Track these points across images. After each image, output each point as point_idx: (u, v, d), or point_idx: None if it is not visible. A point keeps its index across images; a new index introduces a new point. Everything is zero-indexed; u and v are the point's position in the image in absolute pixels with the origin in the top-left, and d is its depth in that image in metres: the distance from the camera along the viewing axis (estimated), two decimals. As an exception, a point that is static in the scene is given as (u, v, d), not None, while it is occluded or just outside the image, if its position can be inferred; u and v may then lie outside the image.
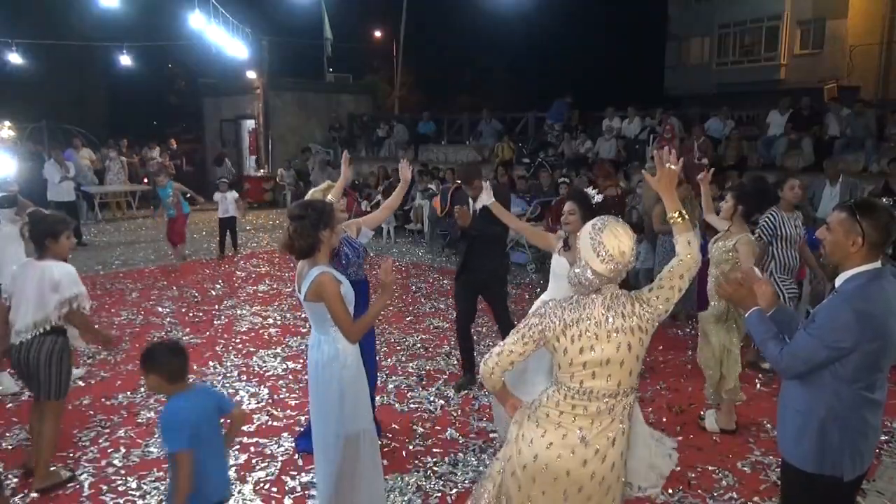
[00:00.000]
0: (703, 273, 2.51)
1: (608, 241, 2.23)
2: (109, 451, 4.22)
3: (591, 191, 3.69)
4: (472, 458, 4.11)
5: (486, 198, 4.30)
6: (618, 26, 26.85)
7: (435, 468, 4.00)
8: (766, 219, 5.26)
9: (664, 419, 4.69)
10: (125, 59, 17.15)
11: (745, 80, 22.67)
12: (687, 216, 2.38)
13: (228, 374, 5.56)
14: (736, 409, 4.53)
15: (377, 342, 6.29)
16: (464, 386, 5.19)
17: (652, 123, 12.90)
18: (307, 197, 3.82)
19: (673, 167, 2.37)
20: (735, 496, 3.68)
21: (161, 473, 3.90)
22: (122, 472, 3.97)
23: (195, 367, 5.69)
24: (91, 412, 4.81)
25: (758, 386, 5.26)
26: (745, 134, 12.29)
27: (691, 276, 2.32)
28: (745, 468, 3.99)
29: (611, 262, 2.23)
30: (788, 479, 2.49)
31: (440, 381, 5.35)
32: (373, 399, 4.18)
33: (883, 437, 4.33)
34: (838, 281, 2.34)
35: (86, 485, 3.83)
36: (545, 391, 2.40)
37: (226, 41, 15.03)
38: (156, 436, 4.33)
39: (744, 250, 4.13)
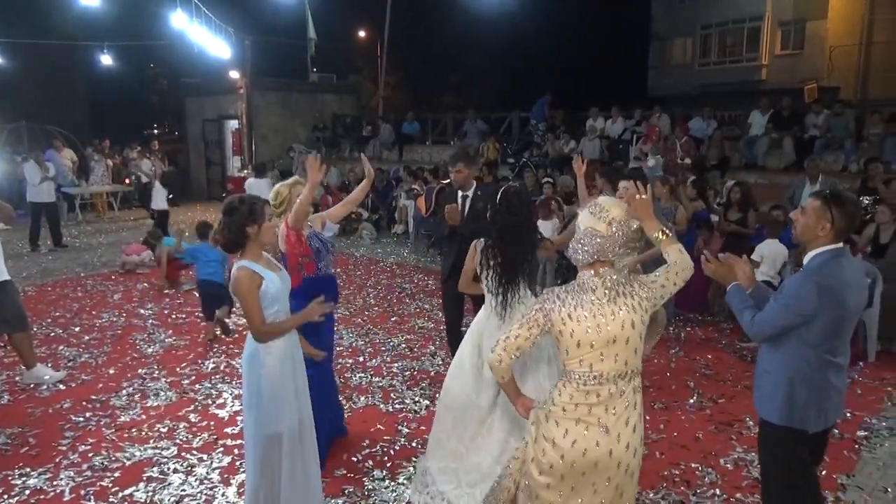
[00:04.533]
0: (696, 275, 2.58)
1: (608, 207, 2.37)
2: (90, 454, 4.17)
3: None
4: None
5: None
6: (602, 27, 27.01)
7: (420, 468, 3.98)
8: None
9: (647, 417, 4.70)
10: (106, 59, 17.02)
11: (727, 81, 22.85)
12: (670, 233, 2.53)
13: (215, 377, 5.52)
14: (720, 407, 4.72)
15: (362, 342, 6.30)
16: None
17: (629, 124, 13.00)
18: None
19: (644, 196, 2.52)
20: (718, 492, 3.71)
21: (145, 475, 3.86)
22: (103, 474, 3.92)
23: (183, 370, 5.65)
24: (72, 415, 4.75)
25: (738, 386, 5.30)
26: (727, 134, 12.40)
27: (686, 277, 2.44)
28: (728, 465, 4.03)
29: (614, 223, 2.33)
30: (763, 434, 2.83)
31: (425, 382, 5.35)
32: (335, 401, 4.28)
33: (862, 433, 4.40)
34: (805, 259, 2.68)
35: (66, 489, 3.78)
36: (555, 388, 2.44)
37: (208, 41, 14.92)
38: (135, 438, 4.30)
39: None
